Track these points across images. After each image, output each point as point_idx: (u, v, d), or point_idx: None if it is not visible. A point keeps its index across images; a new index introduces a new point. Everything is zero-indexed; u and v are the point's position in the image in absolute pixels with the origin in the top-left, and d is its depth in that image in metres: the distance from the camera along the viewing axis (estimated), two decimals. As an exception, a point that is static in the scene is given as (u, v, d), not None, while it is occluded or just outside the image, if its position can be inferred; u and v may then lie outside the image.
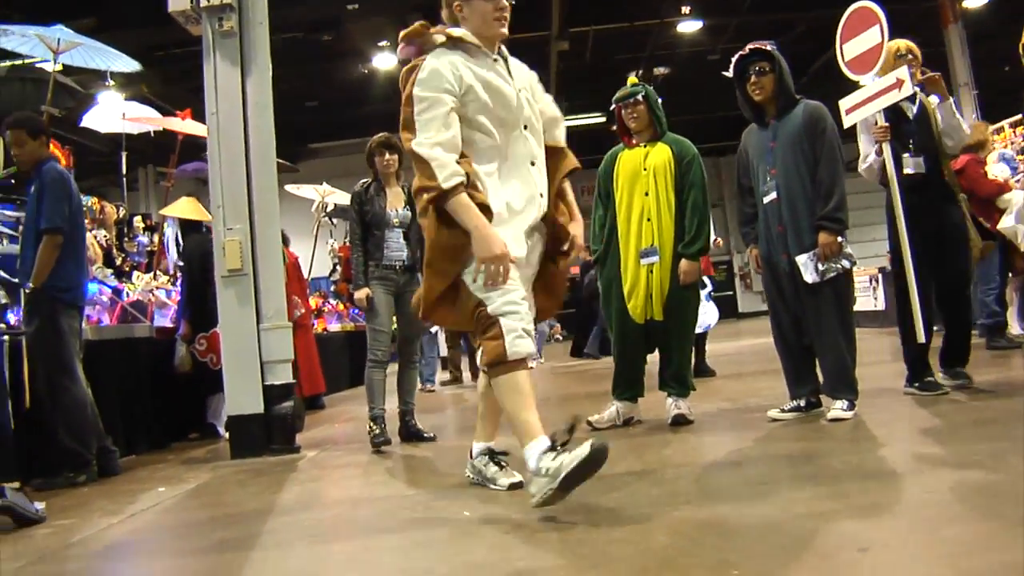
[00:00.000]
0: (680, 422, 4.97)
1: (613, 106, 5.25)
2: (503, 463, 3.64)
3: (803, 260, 4.56)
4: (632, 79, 5.26)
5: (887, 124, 4.96)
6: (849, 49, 5.28)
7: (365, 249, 5.46)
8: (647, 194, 5.06)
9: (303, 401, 8.66)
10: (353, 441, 5.90)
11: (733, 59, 4.86)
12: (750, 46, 4.80)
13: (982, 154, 7.97)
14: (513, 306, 3.16)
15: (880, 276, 14.11)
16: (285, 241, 8.60)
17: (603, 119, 25.13)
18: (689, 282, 5.02)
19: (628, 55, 20.40)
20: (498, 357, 3.12)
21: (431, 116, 3.16)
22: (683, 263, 5.00)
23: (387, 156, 5.51)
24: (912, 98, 5.04)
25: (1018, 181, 8.17)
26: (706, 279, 5.83)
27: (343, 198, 11.85)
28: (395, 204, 5.52)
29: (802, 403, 4.75)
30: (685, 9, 17.88)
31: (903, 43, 5.14)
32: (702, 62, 21.24)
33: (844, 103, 5.21)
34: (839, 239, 4.52)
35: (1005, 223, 7.52)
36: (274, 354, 5.48)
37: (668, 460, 3.98)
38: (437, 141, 3.13)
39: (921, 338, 4.84)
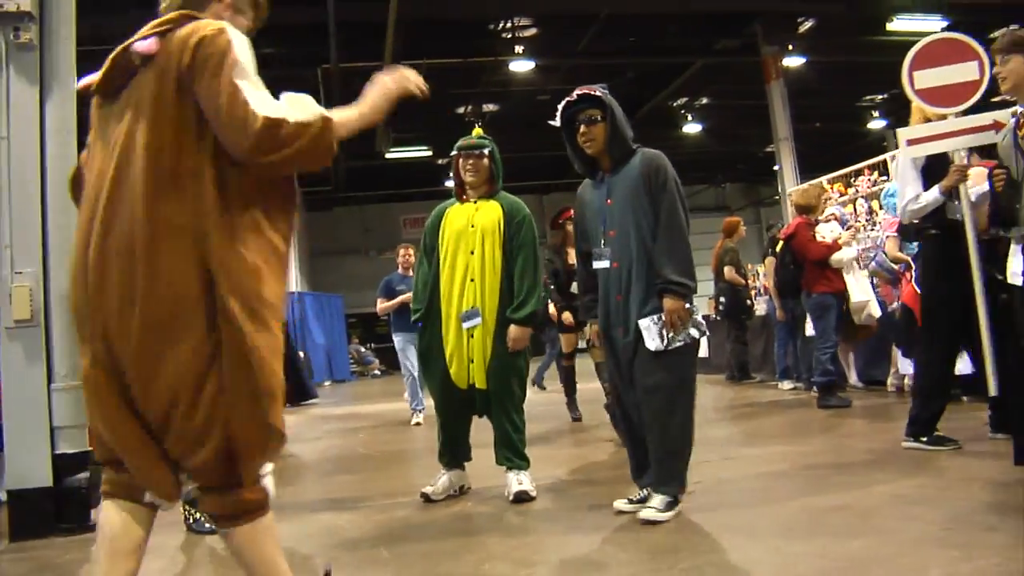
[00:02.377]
0: (523, 499, 4.63)
1: (454, 153, 4.89)
2: None
3: (646, 324, 3.98)
4: (477, 130, 4.93)
5: (966, 164, 4.78)
6: (926, 78, 4.99)
7: None
8: (472, 252, 4.72)
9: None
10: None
11: (560, 106, 4.25)
12: (578, 91, 4.20)
13: (812, 217, 8.12)
14: None
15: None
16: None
17: (429, 152, 24.95)
18: (518, 348, 4.70)
19: (459, 91, 20.22)
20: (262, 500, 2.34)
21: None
22: (512, 329, 4.67)
23: None
24: None
25: (848, 229, 8.42)
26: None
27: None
28: None
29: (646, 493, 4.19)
30: (519, 48, 17.89)
31: None
32: (532, 102, 21.37)
33: (906, 132, 4.98)
34: (687, 305, 3.97)
35: (855, 297, 7.70)
36: (68, 418, 4.72)
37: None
38: None
39: (993, 391, 4.82)
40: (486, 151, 4.83)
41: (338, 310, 25.28)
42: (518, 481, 4.71)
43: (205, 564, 4.06)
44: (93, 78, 2.38)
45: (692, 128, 24.04)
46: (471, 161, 4.82)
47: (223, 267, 2.18)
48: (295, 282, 24.72)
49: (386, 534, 4.15)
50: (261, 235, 2.25)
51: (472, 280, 4.72)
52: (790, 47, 18.62)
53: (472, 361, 4.71)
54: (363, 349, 26.66)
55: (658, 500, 3.98)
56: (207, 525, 4.51)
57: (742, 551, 3.46)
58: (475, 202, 4.86)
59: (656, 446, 4.05)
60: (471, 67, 18.49)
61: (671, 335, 3.95)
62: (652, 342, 3.97)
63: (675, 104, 22.49)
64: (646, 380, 4.04)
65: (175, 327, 2.16)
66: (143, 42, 2.22)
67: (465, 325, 4.68)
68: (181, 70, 2.19)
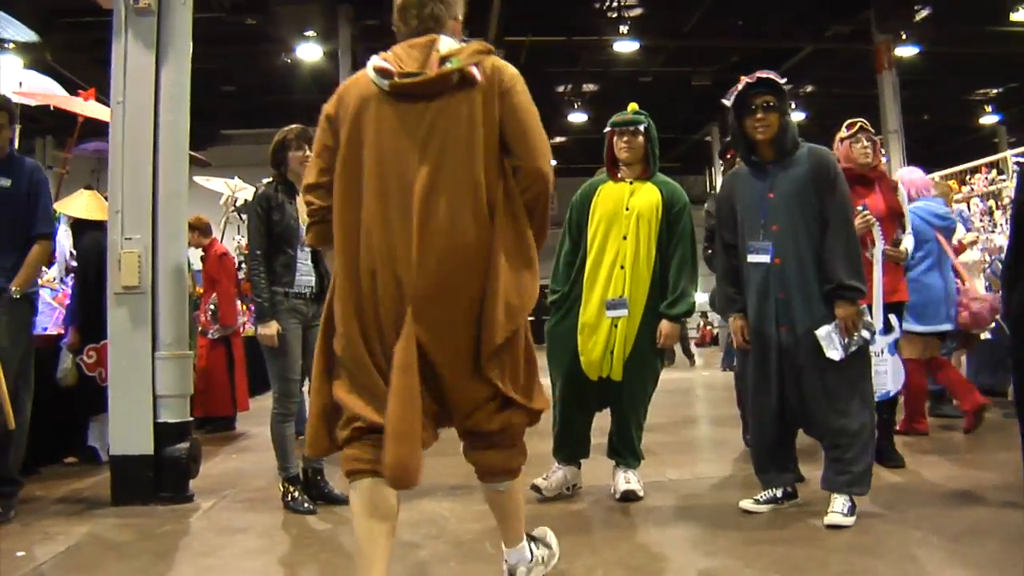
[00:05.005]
0: (630, 499, 4.44)
1: (607, 129, 4.61)
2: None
3: (824, 334, 3.87)
4: (633, 105, 4.64)
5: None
6: None
7: (271, 270, 4.53)
8: (625, 237, 4.42)
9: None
10: (254, 487, 5.16)
11: (738, 86, 4.10)
12: (759, 74, 4.06)
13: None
14: None
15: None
16: (207, 231, 7.91)
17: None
18: (669, 346, 4.51)
19: (560, 69, 19.99)
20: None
21: None
22: (665, 324, 4.43)
23: (307, 151, 4.41)
24: None
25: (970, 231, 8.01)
26: (893, 319, 4.95)
27: (254, 194, 11.05)
28: (304, 215, 4.64)
29: (778, 493, 4.13)
30: (623, 28, 17.54)
31: None
32: (633, 83, 20.97)
33: None
34: (858, 308, 3.91)
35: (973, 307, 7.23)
36: (171, 388, 4.71)
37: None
38: None
39: None
40: (642, 127, 4.52)
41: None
42: (626, 479, 4.51)
43: (304, 543, 3.97)
44: (388, 67, 2.63)
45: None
46: (626, 138, 4.50)
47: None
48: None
49: (491, 528, 3.96)
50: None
51: (622, 267, 4.42)
52: (903, 35, 17.83)
53: (612, 352, 4.43)
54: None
55: (842, 502, 3.84)
56: (305, 504, 4.45)
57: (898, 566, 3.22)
58: (630, 183, 4.54)
59: (845, 448, 3.90)
60: (574, 45, 18.21)
61: (847, 341, 3.89)
62: (835, 352, 3.87)
63: (779, 91, 21.85)
64: (826, 385, 3.94)
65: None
66: (476, 70, 2.60)
67: (610, 314, 4.39)
68: (499, 97, 2.64)
